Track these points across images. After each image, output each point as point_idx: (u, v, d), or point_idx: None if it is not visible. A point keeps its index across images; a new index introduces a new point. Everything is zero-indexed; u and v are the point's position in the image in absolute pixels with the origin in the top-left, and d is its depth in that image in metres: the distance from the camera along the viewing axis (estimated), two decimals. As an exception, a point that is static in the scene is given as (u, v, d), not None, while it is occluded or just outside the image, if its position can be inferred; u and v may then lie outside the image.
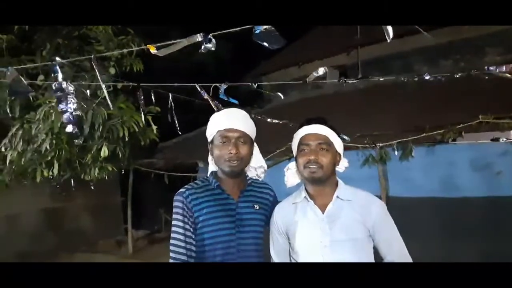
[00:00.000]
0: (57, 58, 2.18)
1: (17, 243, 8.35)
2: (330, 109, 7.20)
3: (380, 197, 6.11)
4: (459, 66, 7.32)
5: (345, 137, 5.42)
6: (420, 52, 7.83)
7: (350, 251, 1.76)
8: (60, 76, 2.14)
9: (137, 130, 4.21)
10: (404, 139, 5.14)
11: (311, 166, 1.78)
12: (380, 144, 5.34)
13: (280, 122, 3.61)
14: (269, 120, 3.48)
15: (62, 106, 2.39)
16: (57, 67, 2.10)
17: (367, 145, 5.44)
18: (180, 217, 1.85)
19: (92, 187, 6.10)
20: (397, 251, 1.83)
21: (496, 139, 4.96)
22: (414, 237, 5.69)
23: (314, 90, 9.07)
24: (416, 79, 2.92)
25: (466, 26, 6.38)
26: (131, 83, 3.10)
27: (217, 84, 2.65)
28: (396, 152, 5.31)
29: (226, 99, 2.75)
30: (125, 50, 3.95)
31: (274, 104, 9.83)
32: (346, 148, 5.82)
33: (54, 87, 2.29)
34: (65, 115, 2.43)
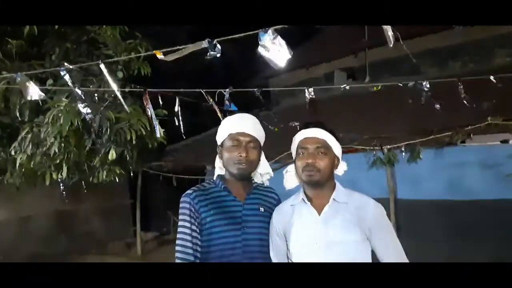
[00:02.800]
0: (65, 64, 2.22)
1: (29, 245, 8.46)
2: (339, 111, 7.20)
3: (388, 200, 6.12)
4: (468, 68, 7.26)
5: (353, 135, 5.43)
6: (429, 54, 7.79)
7: (345, 253, 1.76)
8: (68, 80, 2.18)
9: (144, 133, 4.24)
10: (412, 141, 5.12)
11: (309, 170, 1.80)
12: (388, 147, 5.33)
13: (294, 124, 3.61)
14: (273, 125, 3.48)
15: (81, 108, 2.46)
16: (65, 73, 2.14)
17: (375, 148, 5.43)
18: (187, 218, 1.88)
19: (103, 188, 6.15)
20: (394, 254, 1.82)
21: (505, 141, 4.93)
22: (423, 240, 5.69)
23: (323, 92, 9.06)
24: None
25: (475, 27, 6.32)
26: (138, 88, 3.13)
27: (222, 90, 2.67)
28: (404, 155, 5.29)
29: (228, 107, 2.78)
30: (133, 55, 3.97)
31: (283, 107, 9.84)
32: (353, 151, 5.81)
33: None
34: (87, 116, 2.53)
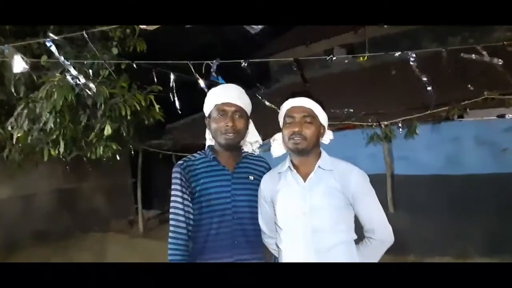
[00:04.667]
0: (51, 35, 2.24)
1: (32, 222, 8.59)
2: (337, 88, 7.19)
3: (385, 176, 6.15)
4: (468, 43, 7.19)
5: (351, 110, 5.44)
6: (429, 30, 7.71)
7: (329, 218, 1.81)
8: (54, 51, 2.20)
9: (139, 108, 4.25)
10: (409, 117, 5.12)
11: (295, 138, 1.83)
12: (385, 122, 5.33)
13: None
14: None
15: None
16: (51, 44, 2.16)
17: (372, 124, 5.44)
18: (179, 187, 1.94)
19: (105, 167, 6.17)
20: (376, 220, 1.88)
21: (502, 116, 4.92)
22: (420, 215, 5.74)
23: (322, 70, 9.02)
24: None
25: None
26: (126, 61, 3.13)
27: (209, 62, 2.68)
28: (401, 130, 5.31)
29: (216, 79, 2.79)
30: (113, 27, 3.91)
31: (281, 84, 9.80)
32: (351, 127, 5.79)
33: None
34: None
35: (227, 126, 1.92)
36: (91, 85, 2.95)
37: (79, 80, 2.47)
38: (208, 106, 2.01)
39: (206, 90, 2.60)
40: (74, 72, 2.34)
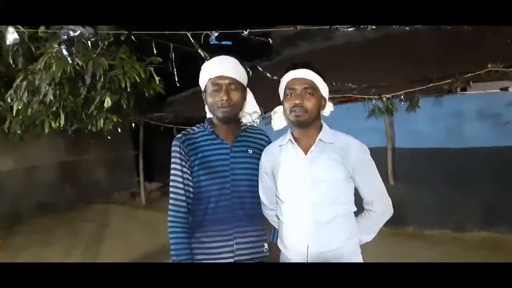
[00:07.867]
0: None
1: (36, 194, 8.70)
2: (339, 60, 7.10)
3: (386, 149, 6.16)
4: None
5: (351, 85, 5.39)
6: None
7: (329, 190, 1.82)
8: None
9: (139, 80, 4.20)
10: (411, 90, 5.07)
11: (296, 110, 1.81)
12: (387, 95, 5.28)
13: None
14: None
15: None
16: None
17: (374, 96, 5.39)
18: (178, 161, 1.94)
19: (107, 139, 6.21)
20: (376, 192, 1.89)
21: (505, 89, 4.87)
22: (421, 188, 5.75)
23: (324, 42, 8.90)
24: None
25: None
26: (123, 31, 3.07)
27: (208, 32, 2.65)
28: (403, 103, 5.26)
29: (217, 42, 2.76)
30: None
31: (284, 56, 9.69)
32: (353, 100, 5.72)
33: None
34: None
35: (222, 100, 1.89)
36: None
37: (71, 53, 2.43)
38: (203, 81, 1.98)
39: (207, 58, 2.56)
40: (65, 46, 2.29)
